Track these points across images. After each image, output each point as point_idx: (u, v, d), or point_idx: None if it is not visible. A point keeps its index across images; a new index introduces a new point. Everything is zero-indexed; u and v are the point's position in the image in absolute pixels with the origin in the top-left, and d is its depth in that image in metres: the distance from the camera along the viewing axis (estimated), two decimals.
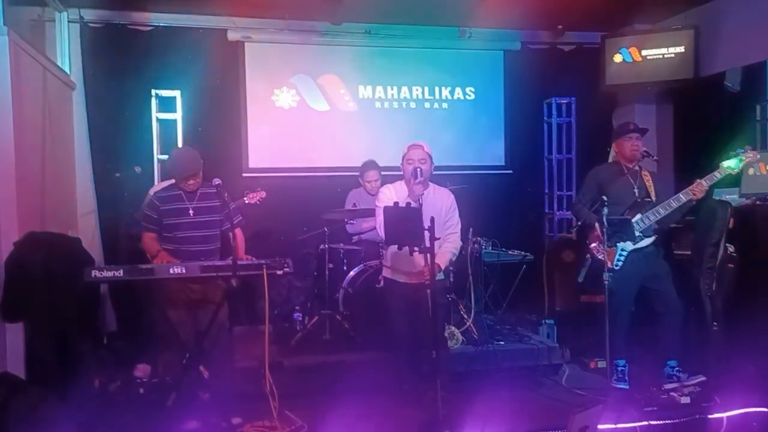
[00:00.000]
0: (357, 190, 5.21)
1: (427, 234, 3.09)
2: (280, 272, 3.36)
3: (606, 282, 3.89)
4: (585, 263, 4.29)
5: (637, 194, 4.20)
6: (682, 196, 4.04)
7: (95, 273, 3.24)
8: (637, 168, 4.27)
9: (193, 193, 3.73)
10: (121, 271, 3.26)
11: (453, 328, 4.58)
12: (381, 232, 3.61)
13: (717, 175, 4.01)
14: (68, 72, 5.38)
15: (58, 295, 3.76)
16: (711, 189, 4.67)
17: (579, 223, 4.64)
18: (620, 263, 4.10)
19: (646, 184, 4.23)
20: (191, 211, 3.71)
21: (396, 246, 3.41)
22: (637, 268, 4.18)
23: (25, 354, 3.80)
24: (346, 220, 5.00)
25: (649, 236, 4.16)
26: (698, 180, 4.02)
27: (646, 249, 4.17)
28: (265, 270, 3.31)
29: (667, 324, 4.20)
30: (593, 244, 4.26)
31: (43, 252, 3.80)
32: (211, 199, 3.74)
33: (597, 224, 4.10)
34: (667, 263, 4.41)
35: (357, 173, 5.48)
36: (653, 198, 4.20)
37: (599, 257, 4.20)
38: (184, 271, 3.32)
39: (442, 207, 3.71)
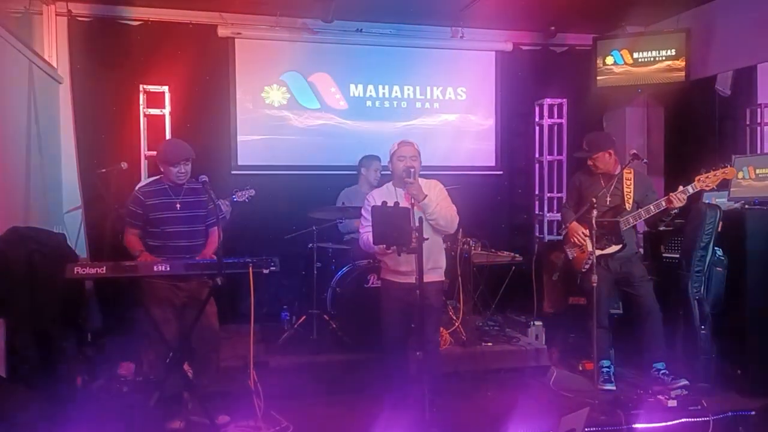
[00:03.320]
0: (349, 189, 5.19)
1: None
2: (266, 271, 3.32)
3: (594, 284, 3.88)
4: (558, 263, 4.43)
5: (609, 201, 4.23)
6: (653, 208, 4.11)
7: (77, 269, 3.19)
8: (615, 173, 4.30)
9: (180, 188, 3.70)
10: (104, 268, 3.21)
11: (441, 328, 4.55)
12: (363, 240, 3.61)
13: (690, 189, 4.02)
14: (55, 66, 5.30)
15: (40, 291, 3.70)
16: (700, 192, 4.73)
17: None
18: (587, 266, 4.12)
19: (624, 190, 4.26)
20: (178, 205, 3.67)
21: (384, 246, 3.38)
22: (608, 270, 4.25)
23: (5, 351, 3.73)
24: (337, 220, 4.97)
25: (618, 243, 4.18)
26: (670, 194, 4.05)
27: (618, 254, 4.19)
28: (250, 268, 3.28)
29: (646, 327, 4.24)
30: (566, 246, 4.40)
31: (26, 247, 3.73)
32: (197, 194, 3.70)
33: (567, 226, 4.33)
34: (646, 267, 4.45)
35: (347, 172, 5.46)
36: (627, 206, 4.23)
37: (570, 258, 4.38)
38: (168, 268, 3.28)
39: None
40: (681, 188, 4.04)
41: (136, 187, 3.99)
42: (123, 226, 3.80)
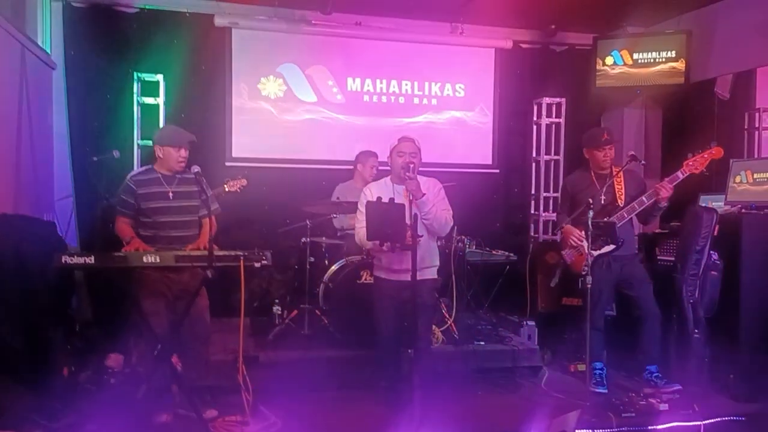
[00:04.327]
0: (344, 184, 5.14)
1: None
2: (257, 264, 3.26)
3: (588, 286, 3.85)
4: (558, 268, 4.36)
5: (603, 200, 4.18)
6: (645, 199, 4.08)
7: (65, 259, 3.13)
8: (607, 172, 4.26)
9: (173, 177, 3.64)
10: (93, 258, 3.16)
11: (433, 326, 4.52)
12: (359, 234, 3.56)
13: (680, 174, 4.00)
14: (49, 52, 5.23)
15: (28, 280, 3.64)
16: (697, 195, 4.71)
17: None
18: (587, 268, 4.10)
19: (615, 188, 4.22)
20: (171, 194, 3.61)
21: (378, 242, 3.35)
22: (609, 271, 4.20)
23: None
24: (331, 214, 4.92)
25: (613, 242, 4.11)
26: (658, 184, 4.03)
27: (616, 253, 4.14)
28: (242, 262, 3.22)
29: (644, 329, 4.20)
30: (564, 250, 4.35)
31: (14, 236, 3.68)
32: (190, 184, 3.65)
33: (562, 229, 4.28)
34: (646, 269, 4.42)
35: (342, 167, 5.41)
36: (620, 203, 4.19)
37: (568, 262, 4.32)
38: (158, 259, 3.23)
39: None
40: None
41: (128, 176, 3.94)
42: (114, 215, 3.75)
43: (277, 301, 5.19)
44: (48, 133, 5.23)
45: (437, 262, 3.79)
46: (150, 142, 5.16)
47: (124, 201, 3.61)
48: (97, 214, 4.91)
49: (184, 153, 3.61)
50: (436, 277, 3.81)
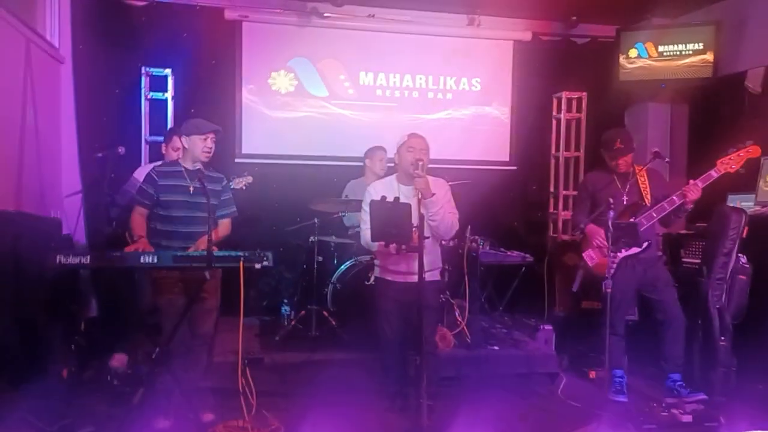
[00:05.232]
0: (355, 181, 5.02)
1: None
2: (258, 266, 3.14)
3: (608, 290, 3.66)
4: (579, 271, 4.15)
5: (626, 200, 4.00)
6: (675, 198, 3.87)
7: (60, 258, 3.04)
8: (629, 171, 4.07)
9: (195, 173, 3.53)
10: (88, 258, 3.06)
11: (444, 329, 4.37)
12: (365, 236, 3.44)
13: (713, 174, 3.80)
14: (57, 45, 5.16)
15: (26, 278, 3.58)
16: (725, 195, 4.49)
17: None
18: (612, 270, 3.90)
19: (640, 186, 4.03)
20: (191, 189, 3.50)
21: (383, 243, 3.22)
22: (632, 274, 4.02)
23: None
24: (339, 212, 4.80)
25: (637, 245, 3.94)
26: (692, 180, 3.83)
27: (641, 255, 3.97)
28: (241, 263, 3.10)
29: (667, 335, 4.02)
30: (585, 252, 4.16)
31: (12, 233, 3.61)
32: (212, 182, 3.55)
33: (585, 228, 4.07)
34: (669, 272, 4.23)
35: (354, 163, 5.28)
36: (647, 202, 4.00)
37: (590, 265, 4.11)
38: (155, 260, 3.12)
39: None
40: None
41: (152, 166, 3.83)
42: (117, 213, 3.66)
43: (285, 301, 5.09)
44: (56, 129, 5.16)
45: (440, 264, 3.70)
46: (158, 138, 5.09)
47: (143, 190, 3.52)
48: (102, 210, 4.85)
49: (210, 143, 3.52)
50: (439, 278, 3.72)
